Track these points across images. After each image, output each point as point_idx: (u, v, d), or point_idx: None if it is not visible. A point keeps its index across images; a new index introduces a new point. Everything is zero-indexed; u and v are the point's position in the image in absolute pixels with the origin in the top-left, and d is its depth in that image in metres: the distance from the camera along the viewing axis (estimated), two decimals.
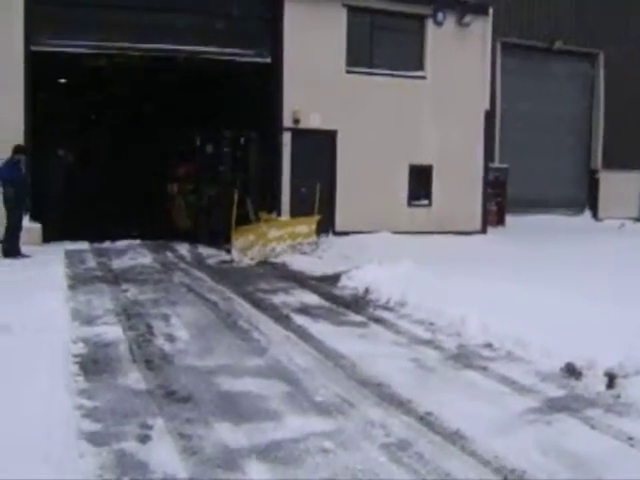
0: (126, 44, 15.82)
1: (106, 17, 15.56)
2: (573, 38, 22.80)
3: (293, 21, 16.84)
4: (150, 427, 5.32)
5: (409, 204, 18.33)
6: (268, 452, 4.92)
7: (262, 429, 5.34)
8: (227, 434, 5.23)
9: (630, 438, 5.31)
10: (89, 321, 8.66)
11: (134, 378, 6.51)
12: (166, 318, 9.02)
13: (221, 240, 15.08)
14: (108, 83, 21.23)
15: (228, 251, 14.54)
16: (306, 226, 15.44)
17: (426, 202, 18.49)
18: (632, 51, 23.85)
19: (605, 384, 6.45)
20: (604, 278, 11.28)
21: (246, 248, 14.34)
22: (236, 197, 14.11)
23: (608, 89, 24.00)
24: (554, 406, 6.02)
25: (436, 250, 14.79)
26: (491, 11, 18.94)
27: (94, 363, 6.89)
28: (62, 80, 21.53)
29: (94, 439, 5.03)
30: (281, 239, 14.88)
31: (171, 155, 19.41)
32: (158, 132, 21.98)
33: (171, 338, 8.03)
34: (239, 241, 14.34)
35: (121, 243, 15.62)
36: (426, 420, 5.61)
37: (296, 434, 5.25)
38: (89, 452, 4.81)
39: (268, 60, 17.13)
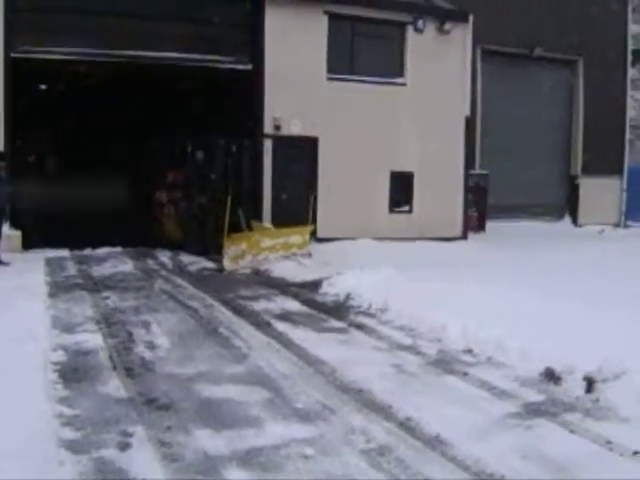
0: (107, 51, 15.77)
1: (87, 24, 15.48)
2: (553, 45, 22.96)
3: (274, 28, 16.86)
4: (130, 435, 5.30)
5: (390, 210, 18.38)
6: (248, 458, 4.92)
7: (242, 436, 5.34)
8: (207, 441, 5.22)
9: (609, 442, 5.34)
10: (69, 329, 8.60)
11: (114, 386, 6.47)
12: (147, 325, 8.98)
13: (212, 249, 14.71)
14: (90, 90, 21.16)
15: (216, 260, 14.25)
16: (300, 236, 15.07)
17: (407, 208, 18.56)
18: (611, 58, 24.09)
19: (584, 389, 6.48)
20: (583, 282, 11.37)
21: (238, 257, 14.01)
22: (229, 204, 13.65)
23: (587, 96, 24.18)
24: (533, 411, 6.05)
25: (417, 256, 14.84)
26: (471, 18, 19.06)
27: (74, 371, 6.86)
28: (43, 86, 21.45)
29: (74, 447, 5.01)
30: (274, 249, 14.53)
31: (157, 162, 19.09)
32: (141, 139, 21.89)
33: (151, 345, 8.00)
34: (231, 249, 13.94)
35: (102, 250, 15.54)
36: (406, 425, 5.63)
37: (277, 441, 5.25)
38: (69, 460, 4.78)
39: (249, 67, 17.15)
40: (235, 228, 14.84)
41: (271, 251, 14.47)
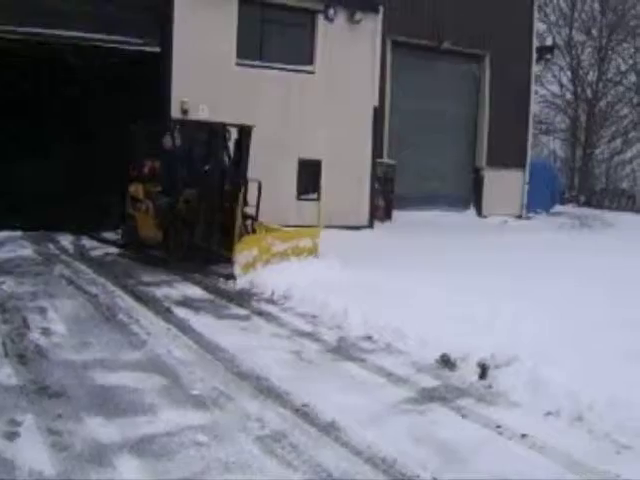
0: (4, 27, 15.14)
1: None
2: (461, 39, 23.33)
3: (183, 10, 16.59)
4: (19, 423, 5.15)
5: (298, 198, 18.38)
6: (140, 446, 4.86)
7: (136, 423, 5.26)
8: (99, 429, 5.13)
9: (498, 426, 5.50)
10: None
11: (5, 373, 6.29)
12: (43, 311, 8.75)
13: (199, 255, 12.81)
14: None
15: (210, 272, 12.35)
16: (310, 240, 12.85)
17: (314, 196, 18.59)
18: (516, 54, 24.67)
19: (478, 374, 6.66)
20: (482, 267, 11.67)
21: (249, 265, 11.66)
22: (241, 199, 11.92)
23: (493, 90, 24.69)
24: (428, 396, 6.18)
25: (323, 244, 14.87)
26: (381, 9, 19.21)
27: None
28: None
29: None
30: (285, 254, 12.19)
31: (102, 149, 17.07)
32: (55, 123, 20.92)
33: (47, 332, 7.79)
34: (242, 255, 11.69)
35: (0, 234, 15.06)
36: (302, 412, 5.65)
37: (170, 428, 5.20)
38: None
39: (157, 49, 16.82)
40: (228, 229, 12.61)
41: (282, 257, 12.14)
